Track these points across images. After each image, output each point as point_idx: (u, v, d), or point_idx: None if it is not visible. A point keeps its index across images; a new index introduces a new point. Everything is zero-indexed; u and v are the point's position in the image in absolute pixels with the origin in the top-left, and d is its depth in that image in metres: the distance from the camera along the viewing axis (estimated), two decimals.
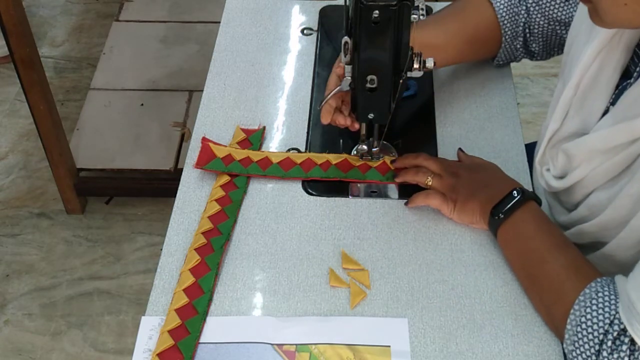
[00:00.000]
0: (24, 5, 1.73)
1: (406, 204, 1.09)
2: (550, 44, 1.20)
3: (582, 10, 1.04)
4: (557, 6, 1.15)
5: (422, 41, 1.10)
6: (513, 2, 1.18)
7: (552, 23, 1.16)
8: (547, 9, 1.16)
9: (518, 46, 1.21)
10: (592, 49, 0.98)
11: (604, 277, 0.90)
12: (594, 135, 0.96)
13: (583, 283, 0.89)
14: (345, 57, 1.01)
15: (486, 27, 1.19)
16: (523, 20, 1.18)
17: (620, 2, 0.83)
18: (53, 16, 2.76)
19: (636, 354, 0.83)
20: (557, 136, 1.06)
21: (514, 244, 1.00)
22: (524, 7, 1.17)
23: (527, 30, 1.19)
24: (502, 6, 1.18)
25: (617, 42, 0.96)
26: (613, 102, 0.98)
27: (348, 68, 1.04)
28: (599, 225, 0.97)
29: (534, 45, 1.20)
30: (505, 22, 1.18)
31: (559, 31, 1.17)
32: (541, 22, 1.17)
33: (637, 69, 0.95)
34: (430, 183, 1.07)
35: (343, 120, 1.11)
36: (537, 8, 1.16)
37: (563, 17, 1.15)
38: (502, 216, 1.00)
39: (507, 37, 1.20)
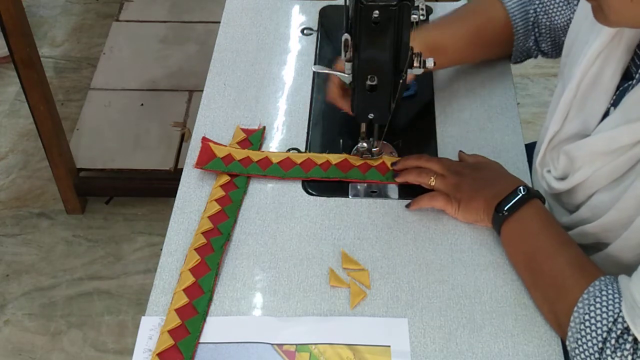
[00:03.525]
0: (24, 5, 1.73)
1: (408, 206, 1.08)
2: (558, 44, 1.20)
3: (581, 11, 1.04)
4: (558, 9, 1.15)
5: (427, 42, 1.13)
6: (523, 1, 1.18)
7: (555, 25, 1.17)
8: (550, 11, 1.16)
9: (531, 44, 1.22)
10: (592, 50, 0.97)
11: (608, 276, 0.90)
12: (596, 137, 0.96)
13: (587, 281, 0.89)
14: (345, 54, 1.01)
15: (497, 27, 1.20)
16: (532, 19, 1.19)
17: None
18: (53, 16, 2.76)
19: (639, 352, 0.83)
20: (558, 138, 1.05)
21: (518, 241, 1.00)
22: (533, 7, 1.18)
23: (536, 30, 1.20)
24: (513, 5, 1.18)
25: (618, 42, 0.96)
26: (614, 104, 0.98)
27: (348, 65, 1.04)
28: (601, 227, 0.97)
29: (543, 44, 1.21)
30: (518, 21, 1.19)
31: (561, 34, 1.17)
32: (547, 24, 1.18)
33: (639, 70, 0.94)
34: (433, 184, 1.07)
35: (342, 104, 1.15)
36: (542, 9, 1.17)
37: (562, 21, 1.15)
38: (507, 213, 1.00)
39: (519, 35, 1.20)
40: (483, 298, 0.99)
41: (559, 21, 1.16)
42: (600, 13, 0.87)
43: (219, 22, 1.40)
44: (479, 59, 1.26)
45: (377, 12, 0.94)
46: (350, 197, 1.11)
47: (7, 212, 2.16)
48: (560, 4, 1.15)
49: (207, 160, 1.14)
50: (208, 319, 0.97)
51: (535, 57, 1.26)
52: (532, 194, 1.00)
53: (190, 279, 1.00)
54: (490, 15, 1.20)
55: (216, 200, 1.09)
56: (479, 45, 1.21)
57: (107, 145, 2.15)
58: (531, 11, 1.18)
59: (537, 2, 1.17)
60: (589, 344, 0.86)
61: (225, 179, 1.12)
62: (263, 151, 1.17)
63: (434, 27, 1.20)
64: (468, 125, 1.21)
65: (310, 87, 1.27)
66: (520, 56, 1.25)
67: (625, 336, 0.84)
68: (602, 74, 0.98)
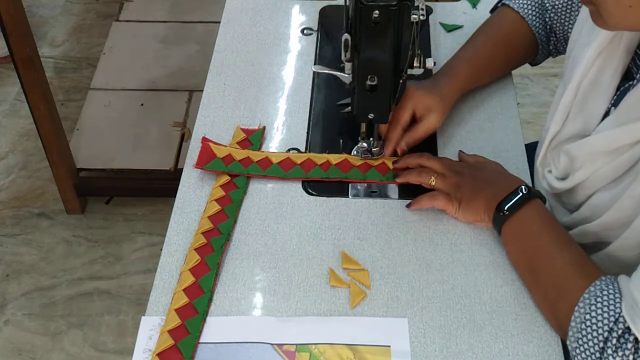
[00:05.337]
0: (24, 5, 1.73)
1: (409, 206, 1.08)
2: None
3: (583, 13, 1.04)
4: (567, 12, 1.16)
5: (471, 65, 1.18)
6: (538, 10, 1.20)
7: (566, 28, 1.18)
8: (561, 14, 1.17)
9: (551, 47, 1.24)
10: (591, 51, 0.98)
11: (608, 276, 0.90)
12: (596, 136, 0.96)
13: (588, 281, 0.90)
14: (345, 54, 1.01)
15: (520, 38, 1.22)
16: (548, 26, 1.21)
17: (625, 4, 0.83)
18: (53, 16, 2.76)
19: None
20: (558, 138, 1.06)
21: (519, 241, 1.00)
22: (548, 15, 1.19)
23: (552, 35, 1.22)
24: (532, 16, 1.20)
25: (617, 43, 0.96)
26: (615, 104, 0.98)
27: (348, 65, 1.04)
28: (602, 226, 0.97)
29: (560, 46, 1.23)
30: (539, 30, 1.21)
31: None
32: (560, 27, 1.19)
33: (639, 70, 0.95)
34: (434, 183, 1.07)
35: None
36: (555, 15, 1.18)
37: (572, 24, 1.16)
38: (507, 212, 1.00)
39: (543, 43, 1.22)
40: (483, 298, 0.99)
41: (570, 23, 1.16)
42: (599, 17, 0.87)
43: (219, 22, 1.40)
44: (505, 72, 1.27)
45: (377, 12, 0.94)
46: (350, 197, 1.11)
47: (7, 212, 2.16)
48: (568, 6, 1.16)
49: (207, 160, 1.14)
50: (208, 319, 0.97)
51: (555, 56, 1.27)
52: (533, 194, 1.00)
53: (190, 279, 1.00)
54: (513, 28, 1.21)
55: (216, 200, 1.09)
56: (505, 59, 1.24)
57: (107, 145, 2.15)
58: (547, 19, 1.19)
59: (549, 7, 1.18)
60: (590, 343, 0.86)
61: (225, 179, 1.12)
62: (263, 151, 1.17)
63: (472, 49, 1.21)
64: (468, 125, 1.21)
65: (310, 87, 1.27)
66: (541, 59, 1.27)
67: (627, 336, 0.84)
68: (602, 75, 0.98)
